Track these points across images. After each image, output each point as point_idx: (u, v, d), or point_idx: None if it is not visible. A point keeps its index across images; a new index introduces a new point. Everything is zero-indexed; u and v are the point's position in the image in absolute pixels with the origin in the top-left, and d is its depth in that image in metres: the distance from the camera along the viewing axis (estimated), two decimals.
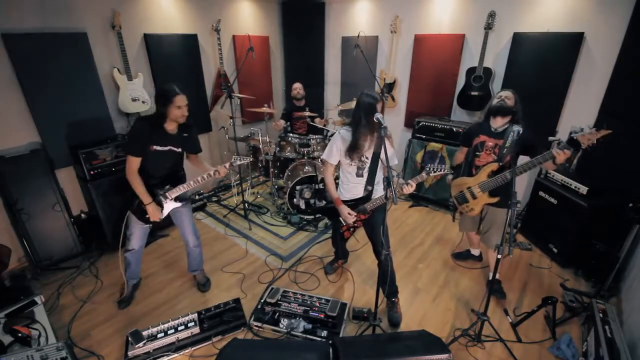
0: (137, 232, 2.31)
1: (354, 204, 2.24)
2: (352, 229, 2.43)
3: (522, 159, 2.11)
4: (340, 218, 2.29)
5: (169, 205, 2.26)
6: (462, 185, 2.41)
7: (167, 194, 2.21)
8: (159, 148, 2.10)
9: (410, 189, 1.96)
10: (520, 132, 2.11)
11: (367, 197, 2.22)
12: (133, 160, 2.07)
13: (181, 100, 2.03)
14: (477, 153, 2.33)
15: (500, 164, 2.20)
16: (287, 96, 5.10)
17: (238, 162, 2.20)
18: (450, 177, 2.61)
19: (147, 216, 2.19)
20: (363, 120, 1.94)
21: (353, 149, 2.04)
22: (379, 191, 2.24)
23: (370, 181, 2.18)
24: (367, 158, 2.10)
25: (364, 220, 2.30)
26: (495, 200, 2.28)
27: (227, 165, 2.19)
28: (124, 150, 2.88)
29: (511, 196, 1.82)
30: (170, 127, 2.12)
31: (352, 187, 2.23)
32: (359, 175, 2.17)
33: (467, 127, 2.54)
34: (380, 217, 2.11)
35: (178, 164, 2.27)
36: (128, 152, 2.09)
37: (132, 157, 2.07)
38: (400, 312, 2.37)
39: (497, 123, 2.23)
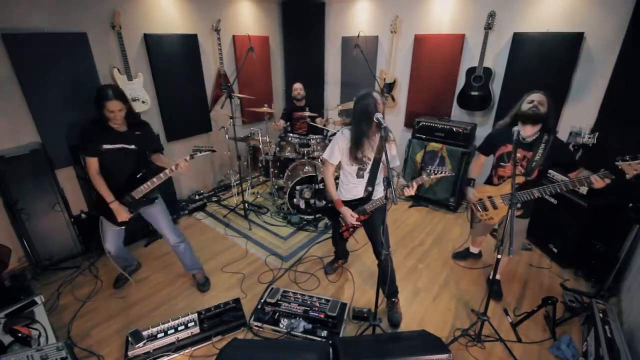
0: (109, 234, 2.35)
1: (354, 204, 2.24)
2: (351, 230, 2.43)
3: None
4: (340, 218, 2.29)
5: (139, 206, 2.27)
6: (483, 193, 2.31)
7: (132, 194, 2.20)
8: (109, 147, 2.11)
9: (411, 191, 1.92)
10: (520, 131, 2.04)
11: (367, 197, 2.22)
12: (90, 161, 2.12)
13: (112, 105, 2.00)
14: (503, 163, 2.16)
15: (528, 178, 2.03)
16: (287, 96, 5.10)
17: (198, 155, 2.18)
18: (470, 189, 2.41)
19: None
20: (361, 122, 1.94)
21: (354, 151, 2.02)
22: (379, 192, 2.23)
23: (371, 182, 2.17)
24: (368, 159, 2.09)
25: (364, 221, 2.30)
26: (518, 213, 2.15)
27: (187, 158, 2.16)
28: (79, 153, 2.82)
29: (512, 196, 1.79)
30: (117, 124, 2.11)
31: (352, 187, 2.22)
32: (359, 176, 2.16)
33: (490, 134, 2.31)
34: (380, 217, 2.11)
35: (138, 162, 2.25)
36: (82, 154, 2.13)
37: (88, 158, 2.11)
38: (400, 312, 2.37)
39: (527, 132, 2.01)
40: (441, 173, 1.89)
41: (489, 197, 2.27)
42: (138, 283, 2.71)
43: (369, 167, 2.12)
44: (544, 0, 3.11)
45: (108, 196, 2.15)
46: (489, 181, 2.35)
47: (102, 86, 2.05)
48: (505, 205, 2.18)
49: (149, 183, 2.20)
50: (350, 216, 2.18)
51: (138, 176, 2.21)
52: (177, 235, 2.48)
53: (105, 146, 2.10)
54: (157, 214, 2.39)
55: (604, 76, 2.91)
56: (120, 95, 2.05)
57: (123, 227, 2.34)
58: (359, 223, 2.31)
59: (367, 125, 1.92)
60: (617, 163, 1.65)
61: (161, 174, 2.18)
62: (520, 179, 2.04)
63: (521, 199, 2.00)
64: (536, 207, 3.12)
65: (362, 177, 2.16)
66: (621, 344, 1.83)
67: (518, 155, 2.03)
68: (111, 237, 2.37)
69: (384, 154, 1.77)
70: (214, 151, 2.26)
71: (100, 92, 2.02)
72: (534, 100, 1.95)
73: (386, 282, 2.17)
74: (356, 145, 2.00)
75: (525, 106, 1.97)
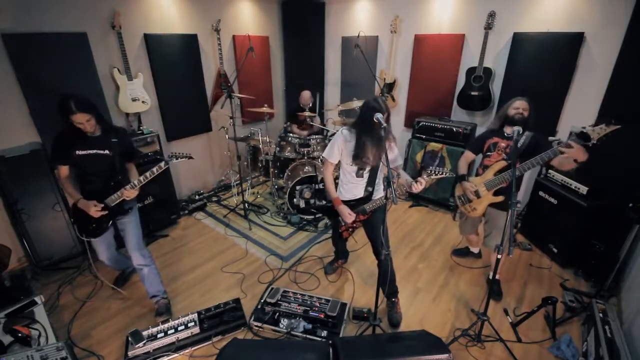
0: (97, 247, 2.32)
1: (354, 204, 2.24)
2: (350, 229, 2.43)
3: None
4: (340, 218, 2.29)
5: (114, 214, 2.21)
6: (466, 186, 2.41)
7: (106, 201, 2.13)
8: (82, 152, 2.05)
9: (419, 187, 1.94)
10: (521, 131, 2.11)
11: (367, 197, 2.22)
12: (60, 169, 2.09)
13: (79, 118, 1.90)
14: (489, 153, 2.35)
15: (509, 161, 2.21)
16: (287, 96, 5.11)
17: (143, 182, 2.11)
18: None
19: (92, 227, 2.18)
20: (365, 125, 1.93)
21: (358, 153, 2.01)
22: (379, 192, 2.23)
23: (371, 182, 2.17)
24: (368, 159, 2.09)
25: (364, 220, 2.30)
26: (499, 199, 2.29)
27: (135, 182, 2.10)
28: (51, 162, 2.69)
29: (511, 196, 1.81)
30: (89, 132, 2.02)
31: (352, 187, 2.22)
32: (359, 175, 2.16)
33: (479, 135, 2.53)
34: (380, 217, 2.11)
35: (113, 168, 2.16)
36: (53, 162, 2.09)
37: (59, 166, 2.09)
38: (400, 312, 2.37)
39: (511, 130, 2.27)
40: (441, 174, 1.90)
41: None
42: (137, 283, 2.71)
43: (368, 167, 2.12)
44: (544, 0, 3.11)
45: (74, 195, 2.10)
46: (475, 174, 2.47)
47: (63, 98, 1.87)
48: (487, 193, 2.31)
49: (118, 193, 2.12)
50: (347, 215, 2.18)
51: (112, 183, 2.14)
52: (142, 257, 2.30)
53: (79, 152, 2.04)
54: (127, 227, 2.28)
55: (604, 76, 2.91)
56: (85, 106, 1.91)
57: (99, 235, 2.22)
58: (357, 223, 2.31)
59: (369, 128, 1.92)
60: (583, 129, 1.88)
61: (118, 192, 2.12)
62: (502, 164, 2.26)
63: (502, 181, 2.22)
64: (536, 207, 3.16)
65: (362, 176, 2.16)
66: (621, 344, 1.83)
67: (502, 144, 2.30)
68: (101, 249, 2.33)
69: (384, 154, 1.77)
70: (152, 175, 2.11)
71: (62, 106, 1.87)
72: (519, 107, 2.23)
73: (386, 282, 2.17)
74: (360, 148, 2.00)
75: (512, 112, 2.26)
